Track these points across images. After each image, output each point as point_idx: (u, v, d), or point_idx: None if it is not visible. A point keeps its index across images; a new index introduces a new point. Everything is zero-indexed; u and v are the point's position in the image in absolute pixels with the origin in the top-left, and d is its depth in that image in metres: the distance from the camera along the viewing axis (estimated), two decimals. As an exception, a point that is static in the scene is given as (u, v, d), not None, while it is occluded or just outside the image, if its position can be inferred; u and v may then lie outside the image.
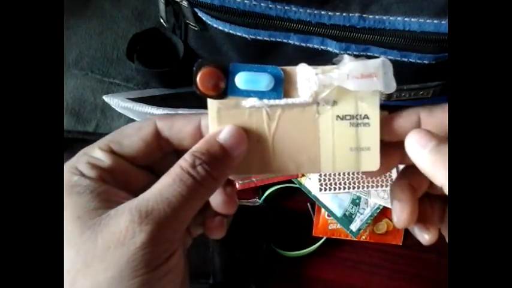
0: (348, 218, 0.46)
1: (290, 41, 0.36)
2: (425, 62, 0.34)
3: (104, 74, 0.46)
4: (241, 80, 0.23)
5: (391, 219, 0.47)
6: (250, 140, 0.24)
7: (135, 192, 0.22)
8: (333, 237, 0.47)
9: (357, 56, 0.35)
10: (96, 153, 0.24)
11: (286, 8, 0.33)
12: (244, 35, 0.36)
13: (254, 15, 0.33)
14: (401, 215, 0.25)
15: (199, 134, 0.24)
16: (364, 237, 0.47)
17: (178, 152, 0.24)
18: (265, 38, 0.35)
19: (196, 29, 0.38)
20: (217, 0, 0.33)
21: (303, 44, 0.36)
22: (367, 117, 0.24)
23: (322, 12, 0.33)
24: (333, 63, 0.23)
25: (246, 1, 0.33)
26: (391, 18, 0.32)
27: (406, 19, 0.32)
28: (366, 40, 0.34)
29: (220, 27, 0.36)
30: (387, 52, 0.35)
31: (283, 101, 0.23)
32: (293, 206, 0.48)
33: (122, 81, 0.46)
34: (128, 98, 0.44)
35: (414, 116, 0.24)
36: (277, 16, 0.33)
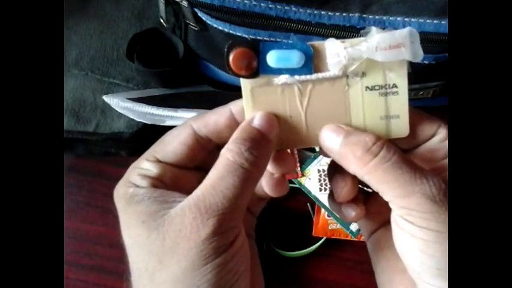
0: (347, 218, 0.46)
1: (290, 41, 0.36)
2: (425, 62, 0.34)
3: (104, 74, 0.46)
4: (273, 58, 0.23)
5: (391, 219, 0.47)
6: (284, 116, 0.25)
7: (188, 192, 0.23)
8: (333, 237, 0.47)
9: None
10: (144, 164, 0.25)
11: (286, 8, 0.33)
12: (244, 35, 0.36)
13: (254, 15, 0.33)
14: (342, 189, 0.26)
15: (234, 123, 0.25)
16: (364, 237, 0.47)
17: (220, 147, 0.26)
18: (265, 38, 0.35)
19: (196, 29, 0.38)
20: (217, 0, 0.33)
21: (303, 44, 0.36)
22: (396, 86, 0.24)
23: (322, 13, 0.33)
24: (361, 36, 0.24)
25: (246, 1, 0.33)
26: (391, 18, 0.32)
27: (406, 19, 0.32)
28: (366, 40, 0.34)
29: (220, 27, 0.36)
30: (387, 52, 0.35)
31: (313, 76, 0.24)
32: (293, 206, 0.48)
33: (122, 81, 0.46)
34: (128, 98, 0.44)
35: (435, 128, 0.25)
36: (277, 16, 0.33)
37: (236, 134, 0.24)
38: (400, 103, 0.24)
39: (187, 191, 0.24)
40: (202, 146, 0.26)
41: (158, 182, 0.25)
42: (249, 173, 0.23)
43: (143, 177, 0.25)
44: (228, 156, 0.23)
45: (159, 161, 0.25)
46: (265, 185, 0.27)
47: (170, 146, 0.25)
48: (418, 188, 0.22)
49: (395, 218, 0.23)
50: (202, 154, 0.26)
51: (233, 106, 0.25)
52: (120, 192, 0.25)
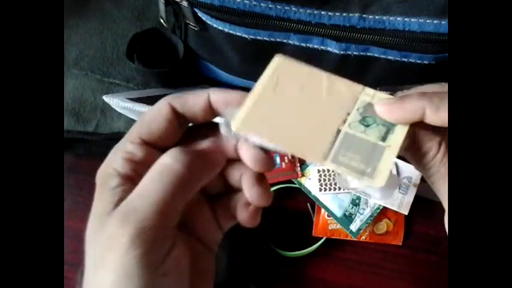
0: (347, 218, 0.46)
1: (290, 41, 0.36)
2: (425, 62, 0.34)
3: (104, 74, 0.46)
4: None
5: (391, 219, 0.47)
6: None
7: None
8: (333, 237, 0.47)
9: (357, 57, 0.35)
10: (128, 147, 0.23)
11: (286, 8, 0.33)
12: (244, 35, 0.36)
13: (254, 15, 0.33)
14: None
15: (209, 107, 0.25)
16: (364, 237, 0.47)
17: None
18: (265, 38, 0.35)
19: (196, 29, 0.38)
20: (217, 1, 0.33)
21: (303, 44, 0.36)
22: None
23: (322, 13, 0.33)
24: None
25: (246, 1, 0.33)
26: (391, 18, 0.32)
27: (406, 19, 0.32)
28: (366, 40, 0.34)
29: (220, 27, 0.36)
30: (387, 52, 0.35)
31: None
32: (293, 206, 0.48)
33: (122, 81, 0.46)
34: (128, 98, 0.44)
35: (420, 107, 0.23)
36: (277, 16, 0.33)
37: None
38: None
39: None
40: (179, 123, 0.25)
41: (141, 168, 0.23)
42: (179, 174, 0.21)
43: (127, 161, 0.23)
44: (159, 161, 0.21)
45: (143, 143, 0.24)
46: (239, 213, 0.26)
47: (154, 124, 0.24)
48: None
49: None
50: (179, 133, 0.25)
51: (212, 92, 0.25)
52: (99, 181, 0.23)
